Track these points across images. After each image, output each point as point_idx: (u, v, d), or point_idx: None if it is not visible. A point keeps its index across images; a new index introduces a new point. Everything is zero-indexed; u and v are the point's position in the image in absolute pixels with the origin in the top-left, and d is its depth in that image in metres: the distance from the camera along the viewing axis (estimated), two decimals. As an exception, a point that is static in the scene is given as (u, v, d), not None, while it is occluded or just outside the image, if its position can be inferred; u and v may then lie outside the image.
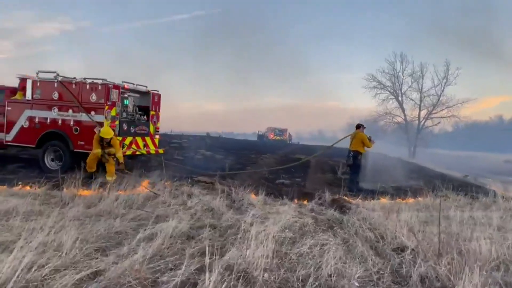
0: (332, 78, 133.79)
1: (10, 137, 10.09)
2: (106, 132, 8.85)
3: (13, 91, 10.42)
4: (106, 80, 9.51)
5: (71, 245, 4.26)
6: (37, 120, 9.87)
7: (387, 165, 16.75)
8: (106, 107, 9.44)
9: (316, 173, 13.03)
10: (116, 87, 9.69)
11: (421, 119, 52.37)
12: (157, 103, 11.45)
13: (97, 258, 4.17)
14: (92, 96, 9.53)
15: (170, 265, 4.18)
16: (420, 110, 52.17)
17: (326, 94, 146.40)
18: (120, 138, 9.68)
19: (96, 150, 8.92)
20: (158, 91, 11.42)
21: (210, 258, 4.05)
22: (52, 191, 7.36)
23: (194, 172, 10.73)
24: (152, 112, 11.19)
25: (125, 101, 10.19)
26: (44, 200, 6.58)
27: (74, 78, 9.86)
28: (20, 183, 7.91)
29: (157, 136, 11.53)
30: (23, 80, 10.26)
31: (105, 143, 8.95)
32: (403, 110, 52.37)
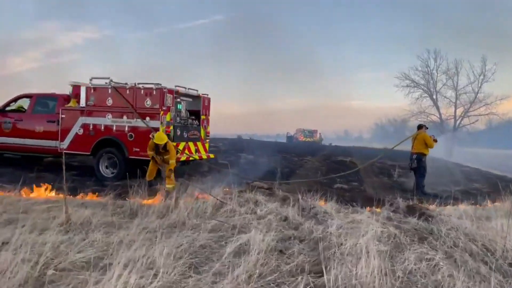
0: (356, 77, 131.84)
1: (64, 145, 10.03)
2: (160, 137, 8.59)
3: (66, 98, 10.37)
4: (160, 84, 9.30)
5: (164, 262, 3.95)
6: (91, 127, 9.77)
7: (436, 166, 15.96)
8: (161, 113, 9.22)
9: (370, 177, 12.45)
10: (170, 91, 9.48)
11: (457, 117, 50.54)
12: (207, 107, 11.19)
13: (192, 277, 3.85)
14: (146, 101, 9.34)
15: (272, 284, 3.81)
16: (456, 108, 50.35)
17: (349, 94, 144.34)
18: (175, 144, 9.44)
19: (149, 152, 8.67)
20: (208, 95, 11.17)
21: (312, 276, 3.65)
22: (116, 200, 7.17)
23: (247, 178, 10.38)
24: (202, 117, 10.94)
25: (178, 105, 9.96)
26: (113, 210, 6.35)
27: (126, 83, 9.74)
28: (82, 192, 7.77)
29: (207, 141, 11.26)
30: (76, 87, 10.19)
31: (160, 149, 8.70)
32: (438, 109, 50.66)
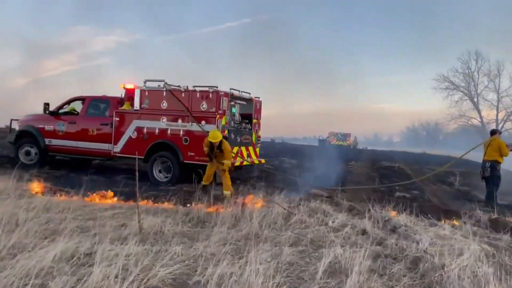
0: (385, 80, 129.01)
1: (118, 148, 9.94)
2: (214, 135, 8.19)
3: (119, 101, 10.30)
4: (216, 87, 9.04)
5: (256, 281, 3.60)
6: (145, 130, 9.62)
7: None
8: (217, 116, 8.95)
9: (429, 185, 11.77)
10: (226, 94, 9.21)
11: (499, 121, 48.32)
12: (259, 111, 10.87)
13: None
14: (202, 105, 9.10)
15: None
16: (497, 111, 48.20)
17: (377, 97, 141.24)
18: (229, 148, 9.15)
19: (205, 148, 8.38)
20: (259, 97, 10.84)
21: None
22: (178, 207, 6.92)
23: (303, 184, 9.95)
24: (254, 120, 10.61)
25: (232, 109, 9.68)
26: (180, 219, 6.07)
27: (179, 86, 9.56)
28: (140, 198, 7.55)
29: (258, 145, 10.93)
30: (129, 90, 10.09)
31: (216, 150, 8.38)
32: (479, 112, 48.59)
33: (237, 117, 9.99)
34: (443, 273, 4.05)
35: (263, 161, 10.94)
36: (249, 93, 10.37)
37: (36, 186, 7.81)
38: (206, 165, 8.95)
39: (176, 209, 6.70)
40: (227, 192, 8.17)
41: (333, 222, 6.30)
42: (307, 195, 8.79)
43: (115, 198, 7.18)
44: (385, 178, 12.74)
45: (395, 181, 12.26)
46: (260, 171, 11.57)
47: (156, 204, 7.18)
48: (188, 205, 7.19)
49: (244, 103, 10.29)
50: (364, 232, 5.85)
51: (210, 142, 8.17)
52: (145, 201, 7.33)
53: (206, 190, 8.50)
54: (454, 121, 50.76)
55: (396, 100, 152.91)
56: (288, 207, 7.02)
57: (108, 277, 3.46)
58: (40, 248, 4.17)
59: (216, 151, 8.32)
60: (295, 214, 6.54)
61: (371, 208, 6.96)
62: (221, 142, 8.22)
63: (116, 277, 3.56)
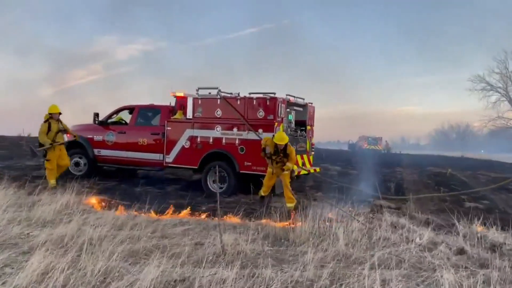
0: (412, 82, 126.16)
1: (170, 158, 9.67)
2: (281, 137, 7.69)
3: (171, 110, 10.05)
4: (274, 93, 8.65)
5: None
6: (199, 140, 9.31)
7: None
8: (275, 124, 8.55)
9: (497, 194, 10.95)
10: (283, 101, 8.81)
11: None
12: (312, 117, 10.41)
13: None
14: (259, 112, 8.72)
15: None
16: (537, 112, 46.11)
17: (403, 99, 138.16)
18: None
19: (266, 150, 7.89)
20: (312, 103, 10.38)
21: None
22: (247, 221, 6.53)
23: (360, 194, 9.40)
24: (308, 127, 10.15)
25: (289, 116, 9.26)
26: (255, 236, 5.66)
27: (231, 93, 9.25)
28: (200, 211, 7.22)
29: (312, 153, 10.46)
30: (181, 98, 9.83)
31: (280, 153, 7.85)
32: (519, 113, 46.59)
33: (293, 124, 9.55)
34: None
35: (318, 169, 10.45)
36: (303, 99, 9.93)
37: (95, 200, 7.59)
38: (262, 175, 8.56)
39: (245, 224, 6.33)
40: (291, 205, 7.72)
41: (420, 239, 5.78)
42: (374, 206, 8.27)
43: (182, 213, 6.84)
44: (443, 186, 12.00)
45: (454, 189, 11.53)
46: (312, 180, 11.10)
47: (221, 219, 6.79)
48: (253, 219, 6.77)
49: (301, 109, 9.85)
50: (461, 251, 5.29)
51: (276, 145, 7.75)
52: (206, 214, 6.94)
53: (264, 201, 8.09)
54: (492, 122, 48.77)
55: (421, 102, 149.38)
56: (364, 221, 6.53)
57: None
58: (131, 274, 3.85)
59: (280, 155, 7.87)
60: (375, 230, 6.05)
61: (456, 222, 6.38)
62: (286, 145, 7.78)
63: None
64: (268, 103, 8.65)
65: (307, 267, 4.39)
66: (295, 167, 8.42)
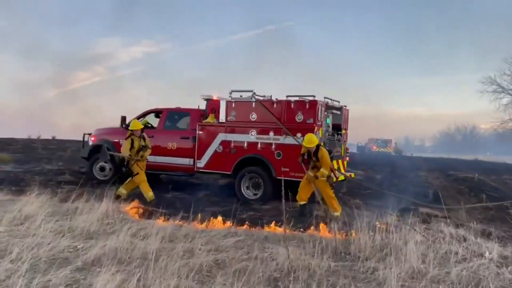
0: (415, 83, 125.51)
1: (201, 163, 9.33)
2: (310, 139, 7.20)
3: (202, 113, 9.72)
4: (314, 96, 8.30)
5: None
6: (232, 144, 8.97)
7: None
8: (316, 128, 8.19)
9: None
10: (323, 104, 8.46)
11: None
12: (347, 121, 10.05)
13: None
14: (298, 116, 8.37)
15: None
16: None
17: (406, 101, 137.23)
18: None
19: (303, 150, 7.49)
20: (346, 106, 10.02)
21: None
22: (299, 233, 6.17)
23: (398, 201, 9.00)
24: (343, 131, 9.78)
25: (327, 119, 8.90)
26: (314, 250, 5.29)
27: (264, 96, 8.92)
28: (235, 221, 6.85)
29: (346, 158, 10.09)
30: (212, 102, 9.50)
31: (312, 157, 7.46)
32: (530, 116, 46.11)
33: (330, 128, 9.20)
34: None
35: (353, 175, 10.07)
36: (339, 102, 9.57)
37: (132, 208, 7.26)
38: (298, 181, 8.19)
39: (296, 236, 5.97)
40: (337, 213, 7.35)
41: (490, 253, 5.40)
42: (421, 215, 7.88)
43: (227, 223, 6.49)
44: (476, 192, 11.60)
45: (491, 196, 11.08)
46: (345, 186, 10.71)
47: (267, 229, 6.44)
48: (302, 230, 6.41)
49: (338, 112, 9.49)
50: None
51: (307, 149, 7.36)
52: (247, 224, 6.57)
53: (304, 211, 7.70)
54: (504, 125, 48.24)
55: (425, 103, 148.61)
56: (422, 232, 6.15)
57: None
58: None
59: (312, 159, 7.46)
60: (438, 243, 5.67)
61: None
62: (318, 148, 7.32)
63: None
64: (307, 106, 8.29)
65: (385, 286, 4.03)
66: (326, 172, 7.84)
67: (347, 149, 10.09)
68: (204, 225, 6.29)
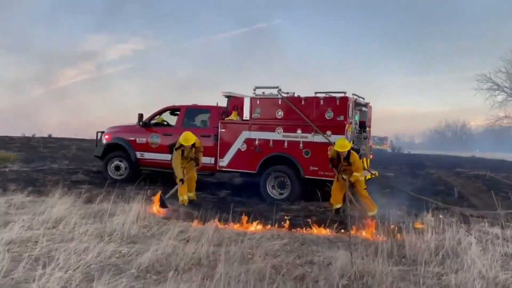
0: (404, 81, 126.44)
1: (224, 162, 9.04)
2: (342, 144, 7.05)
3: (223, 111, 9.40)
4: (345, 93, 8.05)
5: None
6: (257, 142, 8.69)
7: None
8: (347, 125, 7.95)
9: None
10: (353, 101, 8.21)
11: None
12: (371, 118, 9.82)
13: None
14: (327, 113, 8.11)
15: None
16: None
17: (392, 98, 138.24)
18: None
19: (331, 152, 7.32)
20: (369, 103, 9.78)
21: None
22: (347, 235, 5.91)
23: (424, 200, 8.78)
24: (367, 128, 9.55)
25: (355, 117, 8.66)
26: (364, 252, 5.05)
27: (288, 92, 8.67)
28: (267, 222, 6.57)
29: (370, 156, 9.87)
30: (234, 99, 9.20)
31: (343, 162, 7.31)
32: (525, 113, 46.53)
33: (357, 125, 8.96)
34: None
35: (376, 173, 9.83)
36: (364, 98, 9.34)
37: (160, 209, 6.93)
38: (329, 181, 7.97)
39: (342, 238, 5.72)
40: (372, 213, 7.12)
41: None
42: (456, 214, 7.68)
43: (261, 225, 6.21)
44: (495, 190, 11.44)
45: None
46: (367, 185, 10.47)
47: (308, 231, 6.17)
48: (342, 230, 6.17)
49: (365, 109, 9.25)
50: None
51: (337, 153, 7.15)
52: (294, 227, 6.29)
53: (339, 213, 7.46)
54: (499, 122, 48.81)
55: (413, 101, 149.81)
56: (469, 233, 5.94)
57: None
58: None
59: (343, 163, 7.28)
60: (492, 245, 5.46)
61: None
62: (349, 152, 7.18)
63: None
64: (337, 103, 8.04)
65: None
66: (359, 175, 7.59)
67: (370, 146, 9.87)
68: (243, 226, 6.00)
